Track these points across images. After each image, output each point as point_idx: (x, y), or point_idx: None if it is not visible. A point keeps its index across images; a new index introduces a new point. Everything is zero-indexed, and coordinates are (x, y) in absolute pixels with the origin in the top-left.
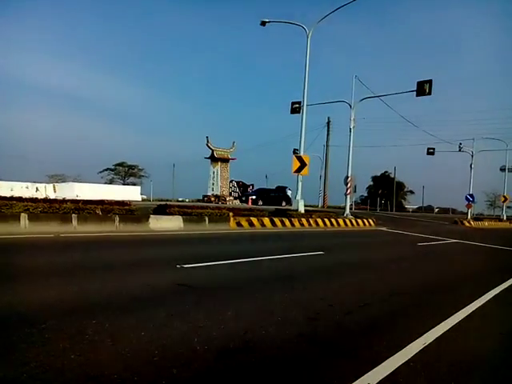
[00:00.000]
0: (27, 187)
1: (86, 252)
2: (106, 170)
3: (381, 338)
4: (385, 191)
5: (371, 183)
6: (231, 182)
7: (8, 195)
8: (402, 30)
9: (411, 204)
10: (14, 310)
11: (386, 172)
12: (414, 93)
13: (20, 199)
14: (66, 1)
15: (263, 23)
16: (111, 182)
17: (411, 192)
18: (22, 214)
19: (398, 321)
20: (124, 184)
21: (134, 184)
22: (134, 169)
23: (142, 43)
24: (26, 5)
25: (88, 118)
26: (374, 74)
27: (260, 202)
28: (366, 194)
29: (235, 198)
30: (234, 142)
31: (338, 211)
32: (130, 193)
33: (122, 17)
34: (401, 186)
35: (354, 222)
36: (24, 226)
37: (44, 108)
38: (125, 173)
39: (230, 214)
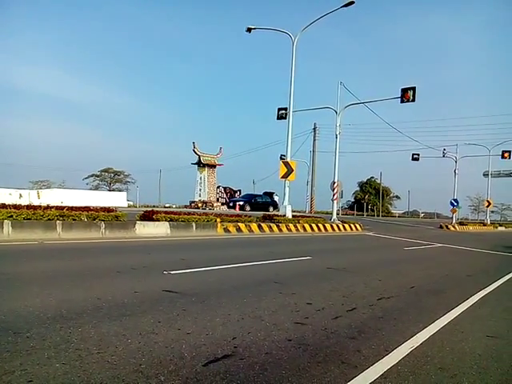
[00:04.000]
0: (10, 194)
1: (71, 259)
2: (92, 176)
3: (369, 342)
4: (371, 196)
5: (357, 189)
6: (218, 187)
7: None
8: (387, 37)
9: (397, 209)
10: None
11: (372, 177)
12: (399, 100)
13: (3, 206)
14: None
15: (249, 30)
16: (97, 188)
17: (397, 197)
18: (5, 221)
19: (385, 325)
20: (110, 190)
21: (120, 190)
22: (119, 175)
23: (129, 50)
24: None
25: (74, 124)
26: (360, 81)
27: (247, 208)
28: (352, 200)
29: (222, 204)
30: (220, 148)
31: (326, 216)
32: (116, 199)
33: (105, 23)
34: (387, 191)
35: (341, 227)
36: (7, 234)
37: (30, 113)
38: (110, 179)
39: (218, 219)
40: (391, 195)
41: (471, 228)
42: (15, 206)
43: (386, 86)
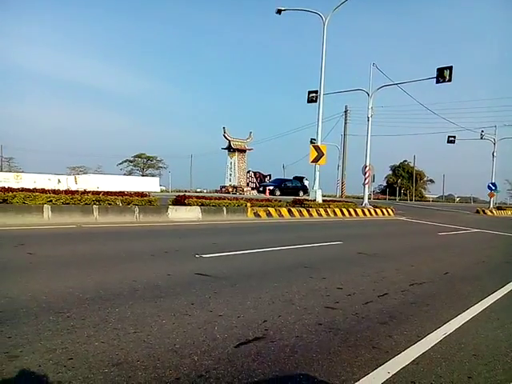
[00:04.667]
0: (49, 179)
1: (107, 242)
2: (126, 161)
3: (400, 328)
4: (404, 181)
5: (390, 173)
6: (248, 172)
7: (31, 187)
8: (422, 16)
9: (431, 193)
10: (38, 298)
11: (405, 161)
12: (434, 80)
13: (43, 191)
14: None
15: (279, 11)
16: (130, 173)
17: (431, 181)
18: (45, 206)
19: (417, 311)
20: (143, 175)
21: (153, 175)
22: (152, 160)
23: (161, 36)
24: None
25: (108, 111)
26: (393, 63)
27: (277, 193)
28: (384, 184)
29: (252, 189)
30: (250, 133)
31: (357, 201)
32: (149, 184)
33: (135, 11)
34: (420, 175)
35: (372, 211)
36: (47, 218)
37: (66, 102)
38: (144, 164)
39: (248, 204)
40: (425, 179)
41: (510, 213)
42: (54, 191)
43: (420, 66)
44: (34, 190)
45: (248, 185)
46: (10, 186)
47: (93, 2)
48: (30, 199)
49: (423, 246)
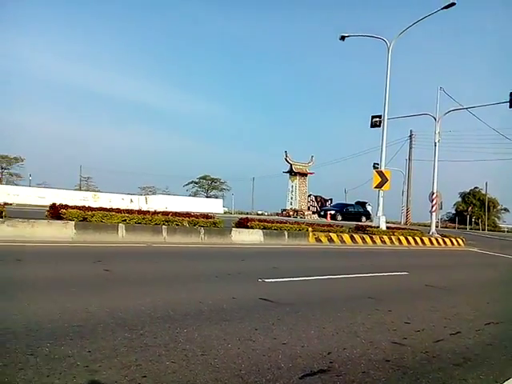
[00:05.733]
0: (123, 199)
1: (175, 262)
2: (191, 182)
3: (476, 371)
4: (475, 209)
5: (459, 200)
6: (309, 196)
7: (107, 206)
8: (490, 36)
9: (506, 223)
10: (115, 314)
11: (477, 188)
12: (507, 104)
13: (118, 211)
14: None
15: (343, 38)
16: (195, 194)
17: (506, 210)
18: (120, 225)
19: (494, 353)
20: (207, 196)
21: (217, 197)
22: (216, 182)
23: (223, 60)
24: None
25: (176, 132)
26: (461, 86)
27: (339, 217)
28: (453, 212)
29: (313, 213)
30: (312, 156)
31: (423, 229)
32: (213, 205)
33: (196, 33)
34: (493, 203)
35: (440, 240)
36: (121, 236)
37: (138, 125)
38: (208, 186)
39: (309, 229)
40: (498, 208)
41: None
42: (128, 211)
43: (491, 90)
44: (111, 210)
45: (309, 209)
46: (90, 205)
47: (164, 31)
48: (106, 218)
49: (498, 280)
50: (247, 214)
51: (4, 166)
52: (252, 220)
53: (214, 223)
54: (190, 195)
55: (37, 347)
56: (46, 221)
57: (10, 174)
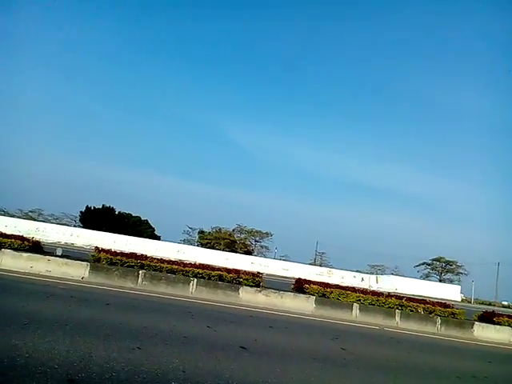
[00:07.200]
0: (354, 276)
1: (411, 351)
2: (423, 264)
3: None
4: None
5: None
6: None
7: (340, 282)
8: None
9: None
10: None
11: None
12: None
13: (353, 290)
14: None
15: None
16: (427, 276)
17: None
18: (355, 304)
19: None
20: (440, 280)
21: (451, 281)
22: (451, 265)
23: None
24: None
25: (407, 211)
26: None
27: None
28: None
29: None
30: None
31: None
32: (449, 291)
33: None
34: None
35: None
36: (355, 315)
37: (366, 203)
38: (442, 268)
39: None
40: None
41: None
42: (362, 291)
43: None
44: (346, 288)
45: None
46: (325, 281)
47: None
48: (342, 296)
49: None
50: (489, 304)
51: (257, 239)
52: (500, 315)
53: (453, 313)
54: (421, 277)
55: None
56: (292, 293)
57: (261, 247)
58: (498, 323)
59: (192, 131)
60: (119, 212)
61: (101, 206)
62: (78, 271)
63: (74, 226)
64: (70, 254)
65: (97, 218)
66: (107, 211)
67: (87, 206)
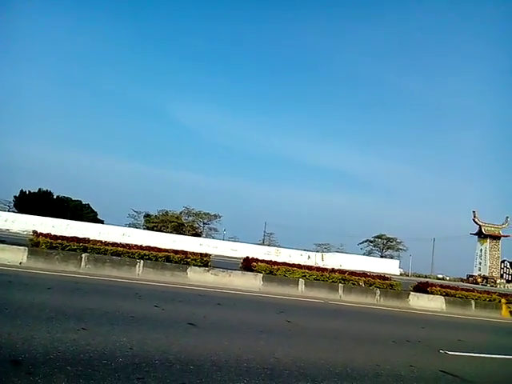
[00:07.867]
0: (301, 255)
1: (351, 321)
2: (366, 241)
3: None
4: None
5: None
6: (503, 262)
7: (288, 261)
8: None
9: None
10: (298, 364)
11: None
12: None
13: (299, 266)
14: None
15: None
16: (370, 253)
17: None
18: (300, 280)
19: None
20: (382, 256)
21: (392, 257)
22: (392, 241)
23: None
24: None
25: (350, 192)
26: None
27: None
28: None
29: (508, 282)
30: (507, 217)
31: None
32: (388, 266)
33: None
34: None
35: None
36: (301, 290)
37: (316, 183)
38: (383, 245)
39: (503, 300)
40: None
41: None
42: (307, 267)
43: None
44: (292, 265)
45: (502, 276)
46: (273, 259)
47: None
48: (289, 273)
49: None
50: (425, 277)
51: (206, 221)
52: (433, 285)
53: (391, 285)
54: (364, 254)
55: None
56: (240, 272)
57: (210, 229)
58: (432, 292)
59: (139, 111)
60: (58, 196)
61: (37, 190)
62: (16, 256)
63: (9, 211)
64: (6, 240)
65: (33, 203)
66: (44, 195)
67: (22, 191)
